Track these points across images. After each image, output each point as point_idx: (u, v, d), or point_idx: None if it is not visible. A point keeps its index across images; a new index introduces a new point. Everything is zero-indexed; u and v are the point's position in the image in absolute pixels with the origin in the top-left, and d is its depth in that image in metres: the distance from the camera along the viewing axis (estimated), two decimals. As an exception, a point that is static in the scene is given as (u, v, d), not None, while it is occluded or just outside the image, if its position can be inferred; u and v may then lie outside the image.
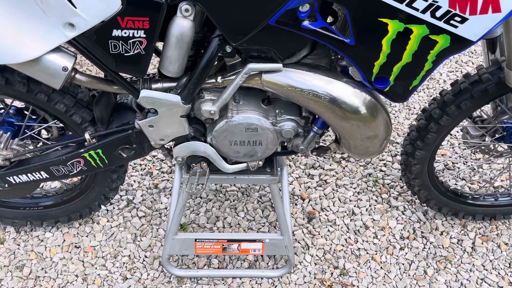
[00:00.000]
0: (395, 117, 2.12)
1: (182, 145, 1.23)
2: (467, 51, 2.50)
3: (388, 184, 1.83)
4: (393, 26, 0.93)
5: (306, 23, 0.97)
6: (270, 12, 0.95)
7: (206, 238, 1.45)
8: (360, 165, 1.90)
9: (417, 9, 0.90)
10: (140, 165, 1.88)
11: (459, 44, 0.94)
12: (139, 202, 1.75)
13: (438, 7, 0.89)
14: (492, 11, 0.88)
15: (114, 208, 1.73)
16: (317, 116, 1.19)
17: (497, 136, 1.46)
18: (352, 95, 1.09)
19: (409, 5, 0.89)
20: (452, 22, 0.91)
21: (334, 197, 1.78)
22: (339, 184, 1.83)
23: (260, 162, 1.28)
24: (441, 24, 0.91)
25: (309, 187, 1.82)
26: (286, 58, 1.06)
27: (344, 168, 1.89)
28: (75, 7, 0.92)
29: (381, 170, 1.88)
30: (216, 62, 1.12)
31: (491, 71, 1.25)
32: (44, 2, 0.91)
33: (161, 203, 1.75)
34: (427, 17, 0.90)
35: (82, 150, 1.24)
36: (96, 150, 1.24)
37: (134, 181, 1.82)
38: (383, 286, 1.53)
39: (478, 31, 0.92)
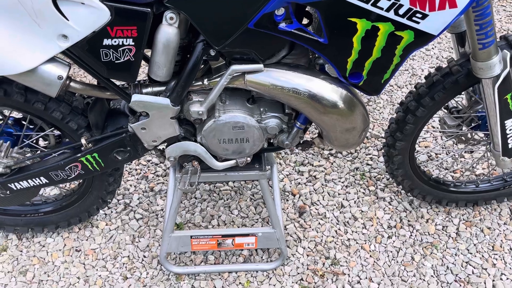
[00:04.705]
0: (380, 113, 2.20)
1: (173, 145, 1.30)
2: (448, 48, 2.59)
3: (374, 177, 1.90)
4: (362, 25, 1.01)
5: (282, 25, 1.05)
6: (249, 16, 1.03)
7: (202, 235, 1.52)
8: (348, 160, 1.97)
9: (381, 8, 0.98)
10: (136, 169, 1.95)
11: (423, 38, 1.03)
12: (136, 205, 1.81)
13: (400, 5, 0.97)
14: (449, 6, 0.96)
15: (112, 212, 1.79)
16: (299, 112, 1.27)
17: (473, 125, 1.55)
18: (329, 91, 1.16)
19: (374, 4, 0.97)
20: (414, 18, 0.99)
21: (323, 191, 1.86)
22: (328, 179, 1.90)
23: (249, 159, 1.35)
24: (404, 21, 0.99)
25: (299, 183, 1.89)
26: (266, 58, 1.14)
27: (332, 163, 1.96)
28: (68, 20, 0.99)
29: (367, 164, 1.96)
30: (202, 66, 1.20)
31: (461, 63, 1.33)
32: (38, 16, 0.98)
33: (157, 205, 1.82)
34: (391, 15, 0.99)
35: (79, 155, 1.31)
36: (93, 154, 1.31)
37: (131, 185, 1.89)
38: (372, 273, 1.60)
39: (438, 25, 1.00)
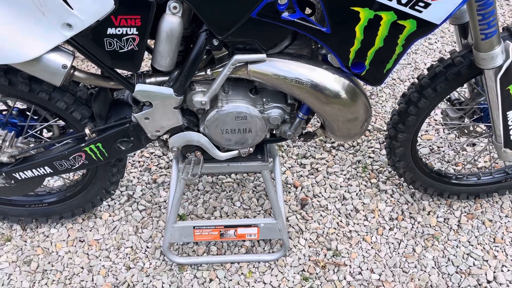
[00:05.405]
0: (382, 107, 2.20)
1: (176, 135, 1.31)
2: (451, 42, 2.59)
3: (376, 170, 1.91)
4: (364, 14, 1.01)
5: (285, 14, 1.05)
6: (252, 5, 1.03)
7: (204, 225, 1.53)
8: (350, 153, 1.98)
9: (384, -3, 0.98)
10: (139, 161, 1.96)
11: (425, 27, 1.03)
12: (139, 197, 1.83)
13: (403, -6, 0.98)
14: (452, -5, 0.97)
15: (115, 203, 1.80)
16: (301, 103, 1.27)
17: (475, 117, 1.55)
18: (332, 81, 1.17)
19: (376, -7, 0.98)
20: (416, 7, 0.99)
21: (325, 184, 1.86)
22: (330, 171, 1.91)
23: (251, 149, 1.36)
24: (407, 9, 1.00)
25: (301, 176, 1.90)
26: (269, 48, 1.15)
27: (334, 156, 1.97)
28: (72, 9, 1.00)
29: (369, 157, 1.96)
30: (205, 56, 1.20)
31: (463, 54, 1.33)
32: (43, 5, 0.99)
33: (160, 197, 1.83)
34: (394, 3, 0.99)
35: (83, 145, 1.32)
36: (96, 144, 1.32)
37: (134, 177, 1.90)
38: (374, 265, 1.60)
39: (441, 14, 1.00)
